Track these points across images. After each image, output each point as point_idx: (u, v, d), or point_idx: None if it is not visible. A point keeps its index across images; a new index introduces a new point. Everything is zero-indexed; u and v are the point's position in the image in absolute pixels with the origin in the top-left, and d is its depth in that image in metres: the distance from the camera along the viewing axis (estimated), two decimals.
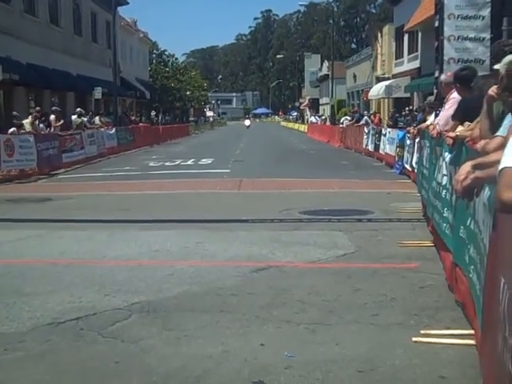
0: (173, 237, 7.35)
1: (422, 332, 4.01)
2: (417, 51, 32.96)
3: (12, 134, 15.71)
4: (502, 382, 2.29)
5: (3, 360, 3.73)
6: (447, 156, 5.71)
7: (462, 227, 4.54)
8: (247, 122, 66.21)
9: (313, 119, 56.98)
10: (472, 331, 3.75)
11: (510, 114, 3.49)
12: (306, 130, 50.59)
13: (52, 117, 21.12)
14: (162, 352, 3.80)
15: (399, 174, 14.40)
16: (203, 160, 19.71)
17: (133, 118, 37.17)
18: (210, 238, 7.26)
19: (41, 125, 19.23)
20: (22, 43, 24.13)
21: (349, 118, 31.82)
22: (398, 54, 37.88)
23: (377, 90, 37.50)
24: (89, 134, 21.16)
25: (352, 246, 6.75)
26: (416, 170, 10.61)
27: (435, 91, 12.83)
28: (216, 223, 8.34)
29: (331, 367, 3.54)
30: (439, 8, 14.83)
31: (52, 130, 20.07)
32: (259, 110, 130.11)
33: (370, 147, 20.57)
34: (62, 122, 21.26)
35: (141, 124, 35.84)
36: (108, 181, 14.28)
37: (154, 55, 59.91)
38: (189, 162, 19.31)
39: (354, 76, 51.63)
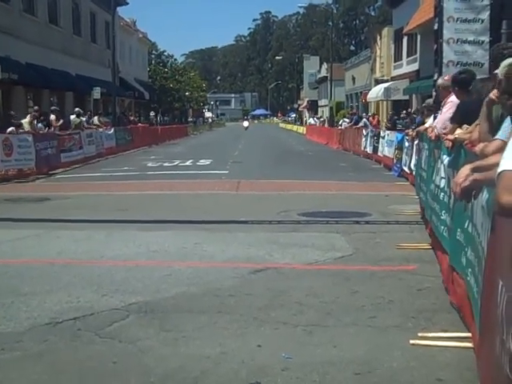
0: (171, 237, 7.35)
1: (420, 334, 4.01)
2: (416, 54, 33.01)
3: (10, 133, 15.70)
4: None
5: (0, 360, 3.72)
6: (445, 158, 5.72)
7: (459, 230, 4.55)
8: (246, 123, 66.20)
9: (311, 121, 57.01)
10: (469, 334, 3.76)
11: (508, 117, 3.50)
12: (304, 132, 50.62)
13: (52, 116, 21.14)
14: (159, 352, 3.80)
15: (397, 176, 14.41)
16: (202, 161, 19.72)
17: (131, 118, 37.16)
18: (208, 238, 7.26)
19: (39, 124, 19.22)
20: (21, 43, 24.12)
21: (347, 120, 31.84)
22: (397, 57, 37.92)
23: (375, 92, 37.53)
24: (87, 133, 21.16)
25: (350, 248, 6.75)
26: (414, 173, 10.62)
27: (434, 94, 12.84)
28: (214, 224, 8.34)
29: (328, 369, 3.54)
30: (438, 11, 14.85)
31: (53, 129, 20.07)
32: (258, 112, 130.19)
33: (369, 149, 20.58)
34: (61, 121, 21.27)
35: (139, 124, 35.84)
36: (106, 181, 14.27)
37: (153, 56, 59.93)
38: (187, 163, 19.31)
39: (353, 78, 51.66)
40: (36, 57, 25.49)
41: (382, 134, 18.80)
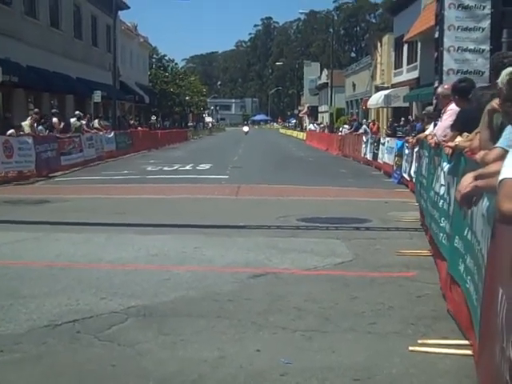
0: (170, 241, 7.35)
1: (419, 341, 4.01)
2: (416, 61, 33.09)
3: (10, 135, 15.71)
4: None
5: None
6: (445, 166, 5.73)
7: (457, 237, 4.56)
8: (246, 129, 66.28)
9: (311, 127, 57.07)
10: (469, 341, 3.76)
11: (509, 126, 3.51)
12: (304, 138, 50.64)
13: (55, 119, 21.15)
14: (158, 356, 3.80)
15: (397, 183, 14.42)
16: (201, 165, 19.73)
17: (131, 122, 37.19)
18: (207, 243, 7.26)
19: (40, 127, 19.23)
20: (22, 45, 24.14)
21: (347, 126, 31.89)
22: (398, 64, 38.01)
23: (376, 99, 37.61)
24: (87, 137, 21.20)
25: (349, 254, 6.75)
26: (414, 180, 10.64)
27: (434, 101, 12.87)
28: (213, 229, 8.34)
29: (327, 375, 3.54)
30: (439, 19, 14.90)
31: (55, 132, 20.07)
32: (258, 117, 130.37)
33: (369, 156, 20.60)
34: (63, 124, 21.30)
35: (139, 128, 35.86)
36: (106, 184, 14.27)
37: (153, 60, 59.99)
38: (187, 167, 19.31)
39: (353, 85, 51.76)
40: (37, 59, 25.51)
41: (382, 140, 18.83)
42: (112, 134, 25.05)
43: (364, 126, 28.63)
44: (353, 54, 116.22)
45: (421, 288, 5.34)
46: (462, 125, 6.03)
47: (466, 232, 4.14)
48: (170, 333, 4.21)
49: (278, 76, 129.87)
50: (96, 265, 6.20)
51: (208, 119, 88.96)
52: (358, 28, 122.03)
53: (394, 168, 15.51)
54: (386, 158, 17.37)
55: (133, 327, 4.34)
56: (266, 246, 7.11)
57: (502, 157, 2.51)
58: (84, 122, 23.32)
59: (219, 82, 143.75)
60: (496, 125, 4.26)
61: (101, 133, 23.89)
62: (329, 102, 47.76)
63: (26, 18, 26.05)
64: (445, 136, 6.67)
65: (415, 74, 32.72)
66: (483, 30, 14.26)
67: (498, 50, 11.98)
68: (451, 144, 5.63)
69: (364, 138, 22.49)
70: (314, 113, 74.57)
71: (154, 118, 46.97)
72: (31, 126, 17.85)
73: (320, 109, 70.24)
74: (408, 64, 35.30)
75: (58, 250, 6.83)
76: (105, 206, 10.64)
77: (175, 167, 19.45)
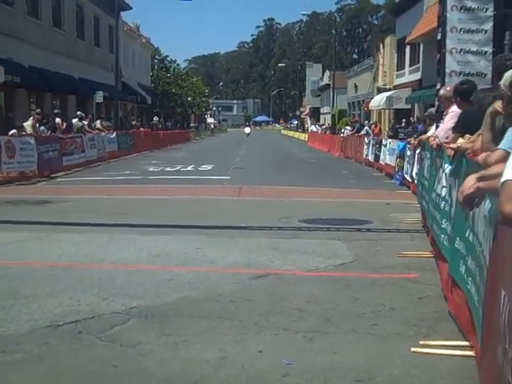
0: (172, 242, 7.36)
1: (421, 342, 4.01)
2: (418, 63, 33.09)
3: (12, 135, 15.73)
4: None
5: (1, 362, 3.72)
6: (447, 167, 5.74)
7: (458, 239, 4.56)
8: (247, 130, 66.23)
9: (313, 128, 57.09)
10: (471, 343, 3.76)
11: (511, 128, 3.51)
12: (306, 139, 50.68)
13: (58, 120, 21.18)
14: (160, 356, 3.80)
15: (399, 184, 14.43)
16: (203, 166, 19.74)
17: (133, 122, 37.22)
18: (209, 244, 7.27)
19: (42, 127, 19.26)
20: (24, 45, 24.18)
21: (349, 128, 31.89)
22: (400, 66, 38.02)
23: (378, 100, 37.61)
24: (89, 137, 21.22)
25: (351, 255, 6.75)
26: (416, 181, 10.64)
27: (436, 103, 12.85)
28: (215, 229, 8.35)
29: (329, 376, 3.54)
30: (442, 21, 14.87)
31: (58, 132, 20.10)
32: (260, 118, 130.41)
33: (371, 157, 20.61)
34: (65, 124, 21.33)
35: (141, 129, 35.89)
36: (108, 185, 14.28)
37: (156, 61, 59.99)
38: (189, 168, 19.33)
39: (355, 86, 51.78)
40: (39, 60, 25.55)
41: (383, 142, 18.83)
42: (114, 134, 25.07)
43: (366, 128, 28.64)
44: (355, 56, 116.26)
45: (422, 289, 5.34)
46: (463, 127, 6.03)
47: (467, 233, 4.14)
48: (171, 333, 4.21)
49: (280, 77, 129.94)
50: (98, 265, 6.21)
51: (210, 120, 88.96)
52: (360, 29, 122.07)
53: (396, 169, 15.51)
54: (387, 159, 17.38)
55: (135, 328, 4.34)
56: (267, 247, 7.12)
57: (504, 159, 2.52)
58: (86, 123, 23.36)
59: (221, 83, 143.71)
60: (498, 127, 4.26)
61: (103, 133, 23.93)
62: (331, 103, 47.83)
63: (29, 18, 26.09)
64: (447, 138, 6.67)
65: (417, 76, 32.72)
66: (486, 32, 14.23)
67: (501, 52, 11.96)
68: (453, 146, 5.63)
69: (366, 139, 22.50)
70: (315, 114, 74.60)
71: (156, 118, 46.98)
72: (33, 126, 17.89)
73: (322, 110, 70.29)
74: (410, 66, 35.31)
75: (59, 251, 6.84)
76: (107, 206, 10.65)
77: (177, 168, 19.46)
